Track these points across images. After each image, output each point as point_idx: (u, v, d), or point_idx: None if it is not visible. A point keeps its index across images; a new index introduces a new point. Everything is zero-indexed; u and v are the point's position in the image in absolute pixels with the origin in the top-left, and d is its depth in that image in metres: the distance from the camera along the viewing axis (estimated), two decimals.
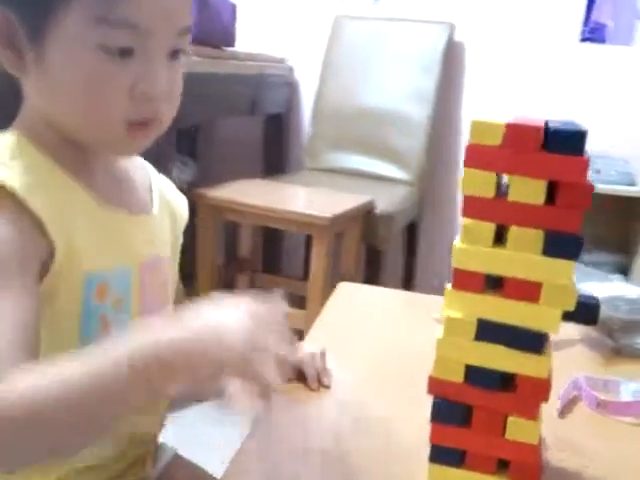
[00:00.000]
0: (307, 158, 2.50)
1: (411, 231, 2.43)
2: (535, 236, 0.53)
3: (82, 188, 0.60)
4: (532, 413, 0.56)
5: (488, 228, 0.54)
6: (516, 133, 0.52)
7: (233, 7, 2.00)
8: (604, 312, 0.96)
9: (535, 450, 0.57)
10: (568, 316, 0.56)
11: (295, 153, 2.62)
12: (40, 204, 0.53)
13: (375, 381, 0.82)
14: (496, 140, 0.53)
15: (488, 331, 0.56)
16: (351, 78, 2.47)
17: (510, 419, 0.57)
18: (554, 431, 0.71)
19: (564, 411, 0.76)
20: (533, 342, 0.55)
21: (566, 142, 0.52)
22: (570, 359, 0.93)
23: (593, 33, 2.21)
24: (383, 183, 2.32)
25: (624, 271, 2.19)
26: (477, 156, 0.53)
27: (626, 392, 0.77)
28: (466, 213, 0.55)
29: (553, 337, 0.94)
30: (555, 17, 2.20)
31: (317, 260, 1.68)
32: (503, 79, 2.38)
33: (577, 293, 0.55)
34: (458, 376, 0.57)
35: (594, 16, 2.21)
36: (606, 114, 2.25)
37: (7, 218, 0.52)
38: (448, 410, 0.58)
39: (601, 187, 2.05)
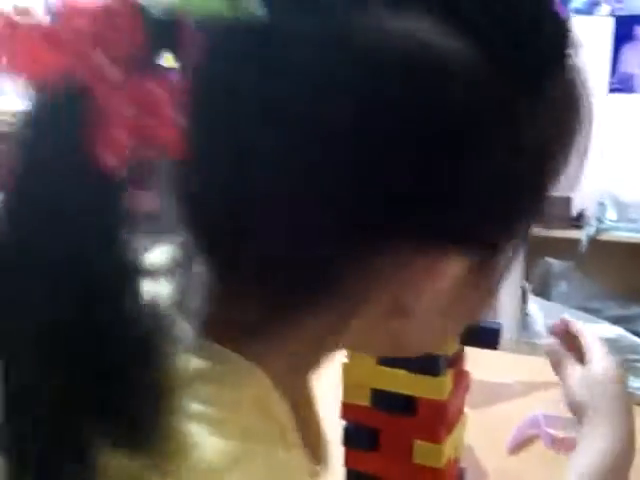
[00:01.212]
0: None
1: None
2: None
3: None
4: (436, 437, 0.58)
5: None
6: None
7: None
8: None
9: (442, 475, 0.58)
10: (470, 341, 0.58)
11: None
12: None
13: None
14: None
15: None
16: None
17: (416, 443, 0.58)
18: (499, 465, 0.71)
19: (517, 447, 0.76)
20: (430, 365, 0.57)
21: None
22: (549, 399, 0.91)
23: (622, 83, 2.21)
24: None
25: None
26: None
27: None
28: None
29: (539, 378, 0.95)
30: (582, 69, 2.21)
31: None
32: None
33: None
34: (365, 400, 0.59)
35: (621, 66, 2.20)
36: (638, 163, 2.22)
37: None
38: (357, 434, 0.60)
39: (635, 236, 2.00)
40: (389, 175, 0.28)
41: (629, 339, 0.93)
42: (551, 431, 0.77)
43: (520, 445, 0.76)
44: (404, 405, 0.58)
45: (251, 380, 0.32)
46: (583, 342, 0.59)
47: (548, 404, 0.88)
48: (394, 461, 0.59)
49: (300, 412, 0.42)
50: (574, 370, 0.58)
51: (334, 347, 0.36)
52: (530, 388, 0.94)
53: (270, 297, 0.32)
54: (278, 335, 0.33)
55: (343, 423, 0.61)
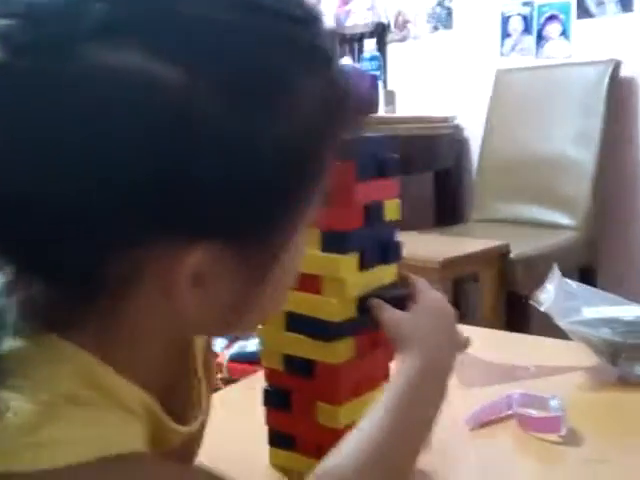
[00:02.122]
0: (473, 210, 2.52)
1: (586, 277, 2.31)
2: (314, 235, 0.60)
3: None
4: (332, 398, 0.61)
5: None
6: None
7: (372, 78, 2.18)
8: (601, 334, 0.90)
9: (342, 436, 0.61)
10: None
11: (464, 206, 2.66)
12: None
13: None
14: None
15: (294, 322, 0.62)
16: (514, 128, 2.46)
17: (318, 404, 0.62)
18: (447, 437, 0.72)
19: (479, 423, 0.75)
20: (323, 330, 0.60)
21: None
22: (556, 382, 0.88)
23: None
24: (546, 230, 2.25)
25: None
26: None
27: (553, 408, 0.74)
28: None
29: (556, 362, 0.92)
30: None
31: None
32: None
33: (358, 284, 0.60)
34: (279, 364, 0.64)
35: None
36: None
37: None
38: (273, 396, 0.65)
39: None
40: (131, 186, 0.34)
41: None
42: (529, 411, 0.75)
43: (483, 423, 0.75)
44: (307, 369, 0.62)
45: (68, 356, 0.39)
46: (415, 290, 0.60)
47: (552, 387, 0.85)
48: (303, 421, 0.64)
49: (178, 381, 0.50)
50: (397, 312, 0.58)
51: (153, 326, 0.41)
52: (544, 371, 0.91)
53: (63, 297, 0.39)
54: (90, 323, 0.39)
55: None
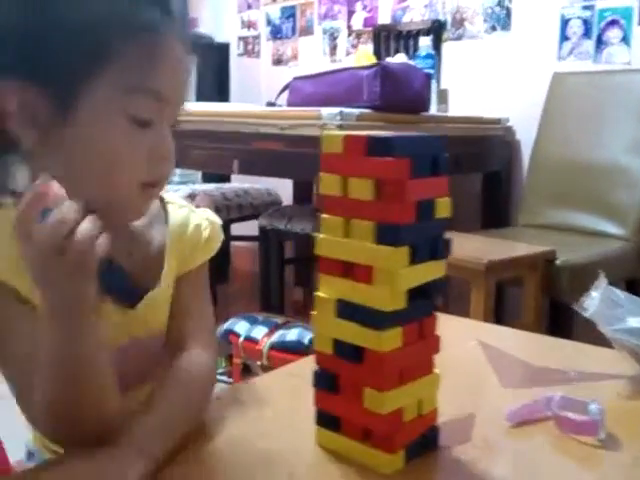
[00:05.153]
0: (522, 214, 2.52)
1: (632, 288, 2.28)
2: (368, 227, 0.63)
3: None
4: (377, 384, 0.64)
5: (338, 221, 0.65)
6: (349, 142, 0.64)
7: (425, 76, 2.19)
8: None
9: (386, 421, 0.64)
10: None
11: (512, 209, 2.65)
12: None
13: None
14: (338, 149, 0.64)
15: (344, 309, 0.66)
16: (568, 134, 2.44)
17: (365, 389, 0.65)
18: (488, 432, 0.74)
19: (520, 421, 0.77)
20: (373, 319, 0.63)
21: (385, 147, 0.61)
22: (592, 388, 0.88)
23: None
24: (594, 238, 2.23)
25: None
26: (327, 162, 0.66)
27: (592, 412, 0.75)
28: (324, 209, 0.67)
29: (597, 369, 0.93)
30: None
31: (475, 306, 1.73)
32: None
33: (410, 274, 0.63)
34: (329, 348, 0.68)
35: None
36: None
37: None
38: (322, 378, 0.68)
39: None
40: None
41: None
42: (568, 413, 0.77)
43: (522, 421, 0.77)
44: (356, 354, 0.65)
45: None
46: None
47: (591, 392, 0.86)
48: (350, 404, 0.66)
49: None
50: None
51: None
52: (584, 377, 0.92)
53: None
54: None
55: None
